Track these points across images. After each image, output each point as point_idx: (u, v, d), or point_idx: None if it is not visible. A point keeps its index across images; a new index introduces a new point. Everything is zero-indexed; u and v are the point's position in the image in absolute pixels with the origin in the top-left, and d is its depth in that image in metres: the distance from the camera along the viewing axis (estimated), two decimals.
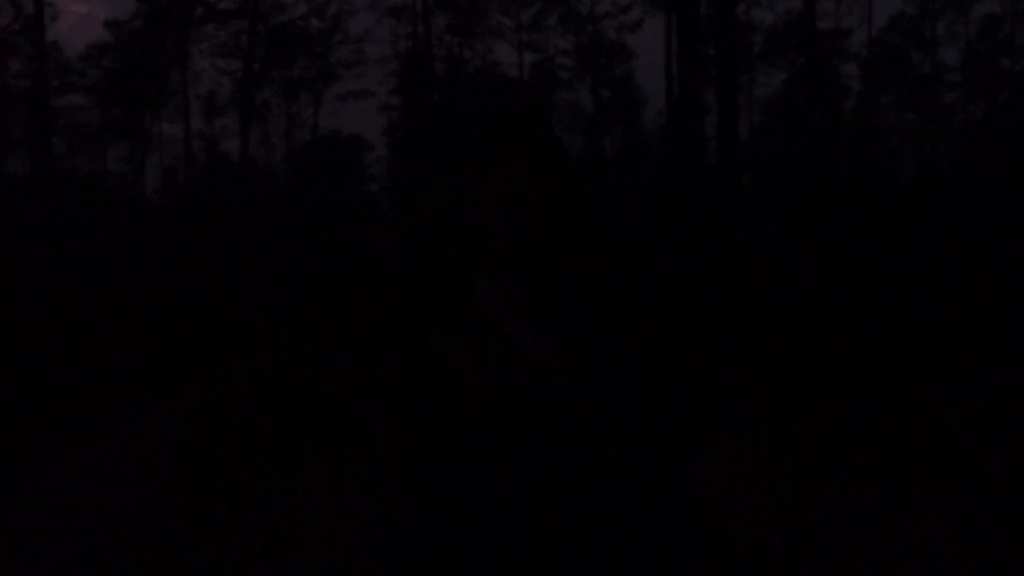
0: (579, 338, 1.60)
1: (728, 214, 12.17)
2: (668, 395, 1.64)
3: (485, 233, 1.63)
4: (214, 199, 33.77)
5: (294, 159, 41.73)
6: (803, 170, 26.15)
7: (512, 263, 1.61)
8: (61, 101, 38.36)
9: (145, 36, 37.18)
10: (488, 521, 1.65)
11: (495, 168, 1.68)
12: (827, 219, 12.39)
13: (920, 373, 5.01)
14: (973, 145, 33.89)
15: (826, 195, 17.36)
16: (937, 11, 37.66)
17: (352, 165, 43.76)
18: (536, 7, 38.40)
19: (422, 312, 1.74)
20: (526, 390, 1.59)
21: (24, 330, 6.73)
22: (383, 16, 38.62)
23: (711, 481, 1.65)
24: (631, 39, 58.35)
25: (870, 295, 7.00)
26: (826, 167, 27.32)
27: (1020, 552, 2.77)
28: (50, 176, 27.99)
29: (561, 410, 1.59)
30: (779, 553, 2.83)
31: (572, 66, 39.70)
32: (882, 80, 38.09)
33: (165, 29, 36.91)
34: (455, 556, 1.70)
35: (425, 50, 33.83)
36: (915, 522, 3.03)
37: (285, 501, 3.43)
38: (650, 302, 1.65)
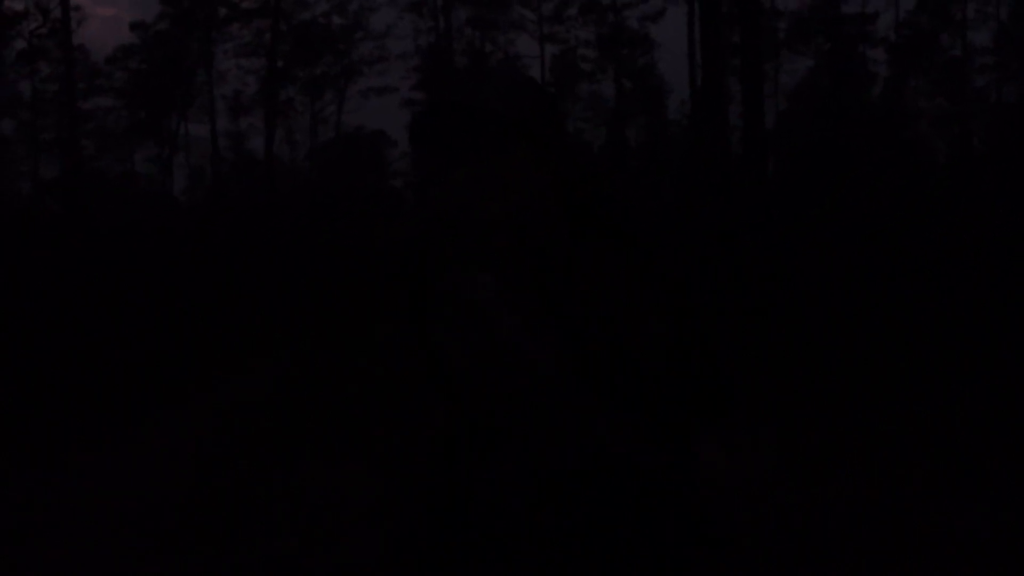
0: (582, 335, 1.57)
1: (752, 205, 12.01)
2: (676, 393, 1.61)
3: (488, 230, 1.60)
4: (239, 198, 34.14)
5: (318, 156, 42.04)
6: (830, 158, 25.80)
7: (515, 259, 1.59)
8: (89, 103, 38.99)
9: (170, 37, 37.63)
10: (489, 521, 1.63)
11: (503, 166, 1.66)
12: (853, 211, 12.20)
13: (941, 367, 4.90)
14: (1006, 129, 33.21)
15: (853, 185, 17.11)
16: None
17: (375, 161, 44.00)
18: None
19: (424, 310, 1.72)
20: (525, 388, 1.56)
21: (48, 331, 6.82)
22: (404, 11, 38.70)
23: (718, 481, 1.61)
24: (653, 29, 58.06)
25: (896, 289, 6.86)
26: (853, 155, 26.94)
27: None
28: (80, 177, 28.46)
29: (561, 409, 1.56)
30: (784, 553, 2.78)
31: (594, 57, 39.55)
32: (910, 64, 37.44)
33: (190, 30, 37.33)
34: (457, 556, 1.68)
35: (446, 45, 33.88)
36: (923, 522, 2.97)
37: (294, 500, 3.43)
38: (660, 298, 1.61)
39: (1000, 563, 2.66)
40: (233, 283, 9.37)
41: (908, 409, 4.26)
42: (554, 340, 1.57)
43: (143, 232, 15.13)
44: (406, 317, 1.73)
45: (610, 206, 1.65)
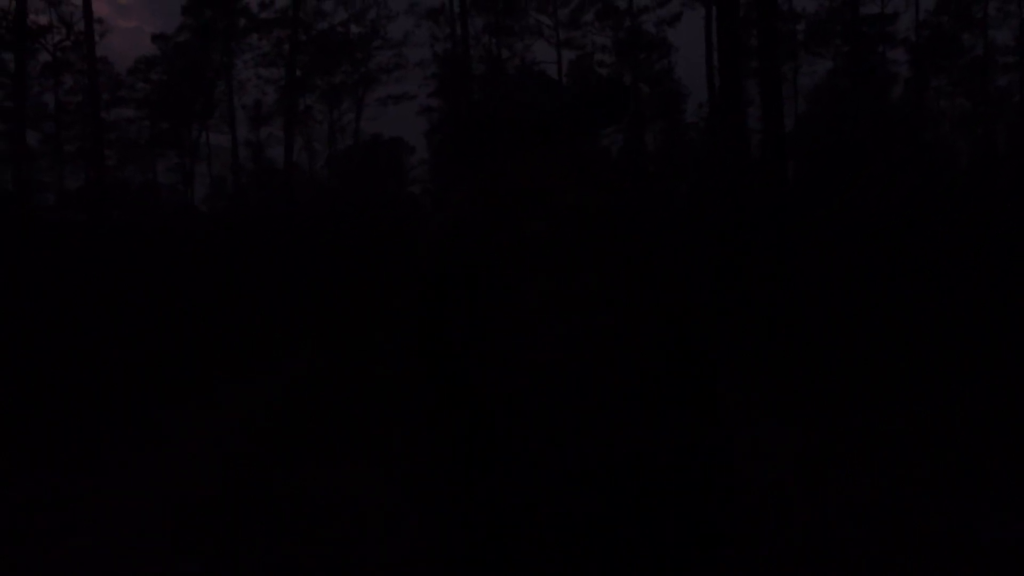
0: (619, 333, 1.58)
1: (770, 208, 11.96)
2: (672, 392, 1.62)
3: (522, 232, 1.61)
4: (258, 206, 34.41)
5: (336, 164, 42.32)
6: (849, 161, 25.59)
7: (553, 261, 1.60)
8: (112, 115, 39.53)
9: (191, 49, 38.07)
10: (520, 521, 1.62)
11: (529, 169, 1.68)
12: (867, 213, 12.10)
13: (959, 367, 4.84)
14: None
15: (871, 188, 16.97)
16: None
17: (394, 168, 44.26)
18: (574, 3, 38.35)
19: (451, 312, 1.72)
20: (566, 387, 1.57)
21: (61, 333, 6.88)
22: (421, 19, 39.02)
23: (749, 476, 1.62)
24: (670, 33, 57.91)
25: (903, 290, 6.79)
26: (873, 157, 26.71)
27: None
28: (103, 188, 28.82)
29: (602, 407, 1.56)
30: (785, 553, 2.76)
31: (611, 62, 39.55)
32: (932, 65, 37.08)
33: (210, 41, 37.74)
34: (485, 557, 1.68)
35: (463, 51, 33.99)
36: (925, 522, 2.95)
37: (308, 504, 3.45)
38: (658, 299, 1.62)
39: (1001, 563, 2.64)
40: (250, 287, 9.43)
41: (909, 409, 4.23)
42: (597, 337, 1.58)
43: (163, 239, 15.29)
44: (435, 318, 1.73)
45: (624, 210, 1.66)
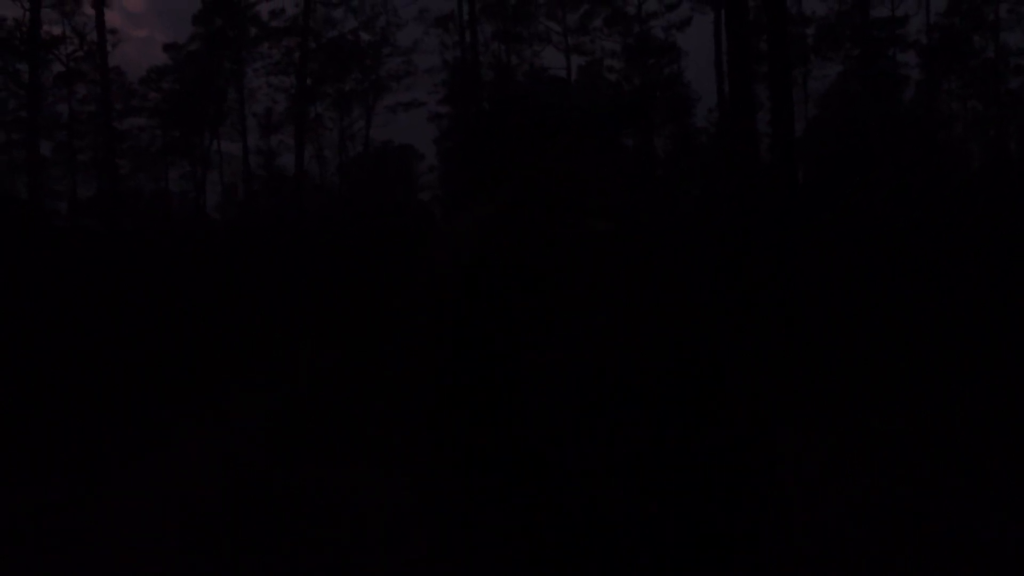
0: (627, 335, 1.58)
1: (780, 212, 11.93)
2: (697, 390, 1.61)
3: (570, 233, 1.61)
4: (269, 214, 34.60)
5: (347, 171, 42.49)
6: (859, 165, 25.48)
7: (590, 262, 1.59)
8: (124, 124, 39.84)
9: (202, 58, 38.36)
10: (523, 522, 1.62)
11: (551, 170, 1.68)
12: (874, 216, 12.04)
13: (960, 367, 4.82)
14: None
15: (882, 190, 16.89)
16: None
17: (403, 175, 44.40)
18: (582, 9, 38.41)
19: (461, 313, 1.71)
20: (571, 388, 1.57)
21: (77, 337, 6.93)
22: (430, 27, 39.17)
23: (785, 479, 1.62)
24: (680, 37, 57.88)
25: (908, 291, 6.75)
26: (884, 160, 26.60)
27: None
28: (116, 196, 29.05)
29: (607, 409, 1.56)
30: (786, 553, 2.75)
31: (620, 68, 39.56)
32: (943, 67, 36.89)
33: (221, 50, 38.02)
34: (487, 558, 1.67)
35: (472, 58, 34.09)
36: (925, 522, 2.94)
37: (318, 508, 3.47)
38: (661, 300, 1.62)
39: (1001, 563, 2.62)
40: (255, 291, 9.47)
41: (909, 409, 4.21)
42: (638, 339, 1.58)
43: (170, 245, 15.39)
44: (443, 321, 1.73)
45: (641, 212, 1.66)
